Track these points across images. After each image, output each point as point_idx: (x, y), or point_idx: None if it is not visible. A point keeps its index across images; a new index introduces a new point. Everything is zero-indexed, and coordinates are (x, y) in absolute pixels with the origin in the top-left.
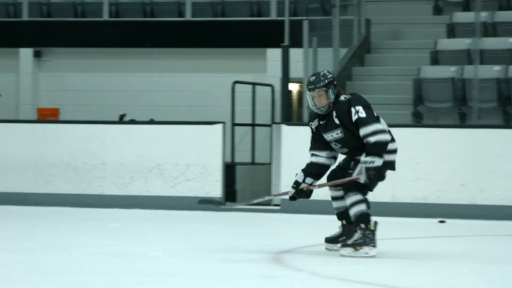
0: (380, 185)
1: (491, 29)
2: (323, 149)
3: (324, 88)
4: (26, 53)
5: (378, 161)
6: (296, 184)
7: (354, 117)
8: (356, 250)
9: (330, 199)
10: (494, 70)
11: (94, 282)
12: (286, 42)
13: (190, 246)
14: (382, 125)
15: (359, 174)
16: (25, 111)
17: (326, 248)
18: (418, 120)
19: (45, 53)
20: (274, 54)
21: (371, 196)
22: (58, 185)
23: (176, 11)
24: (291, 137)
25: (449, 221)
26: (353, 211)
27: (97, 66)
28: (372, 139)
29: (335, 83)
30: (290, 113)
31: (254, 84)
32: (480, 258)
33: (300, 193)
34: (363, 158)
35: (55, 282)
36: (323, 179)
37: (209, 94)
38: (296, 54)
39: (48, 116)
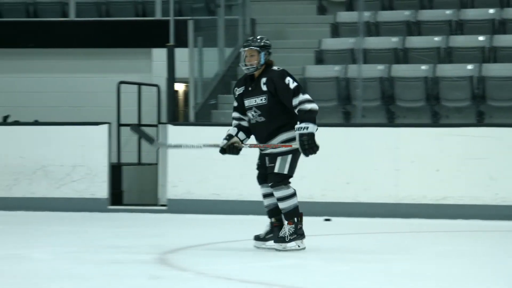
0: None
1: (374, 29)
2: (245, 115)
3: (257, 49)
4: None
5: (312, 127)
6: (229, 136)
7: (293, 85)
8: (288, 243)
9: (215, 199)
10: (378, 69)
11: None
12: (171, 42)
13: (75, 247)
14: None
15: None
16: None
17: (255, 246)
18: None
19: None
20: (159, 54)
21: (258, 195)
22: None
23: (60, 11)
24: (177, 137)
25: (334, 219)
26: (286, 204)
27: None
28: (308, 106)
29: (270, 51)
30: (176, 113)
31: (139, 84)
32: (363, 256)
33: (231, 147)
34: (297, 125)
35: None
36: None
37: (94, 95)
38: (181, 54)
39: None
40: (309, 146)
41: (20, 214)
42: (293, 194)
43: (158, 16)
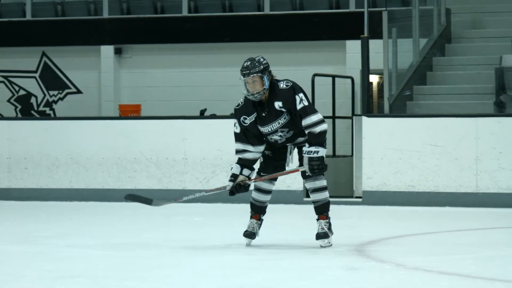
0: (463, 175)
1: None
2: (256, 144)
3: (259, 74)
4: (107, 50)
5: (322, 151)
6: (234, 177)
7: (299, 106)
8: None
9: (411, 191)
10: None
11: (181, 275)
12: (366, 34)
13: (272, 239)
14: (320, 114)
15: (302, 165)
16: (107, 108)
17: (247, 244)
18: (500, 110)
19: (126, 50)
20: (353, 46)
21: (453, 187)
22: (141, 181)
23: (255, 5)
24: (372, 129)
25: None
26: (323, 195)
27: (177, 61)
28: (317, 129)
29: (270, 70)
30: (371, 105)
31: (334, 76)
32: None
33: (239, 187)
34: (306, 148)
35: (143, 276)
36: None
37: None
38: (375, 45)
39: (129, 112)
40: (319, 170)
41: (218, 206)
42: (327, 187)
43: (352, 8)
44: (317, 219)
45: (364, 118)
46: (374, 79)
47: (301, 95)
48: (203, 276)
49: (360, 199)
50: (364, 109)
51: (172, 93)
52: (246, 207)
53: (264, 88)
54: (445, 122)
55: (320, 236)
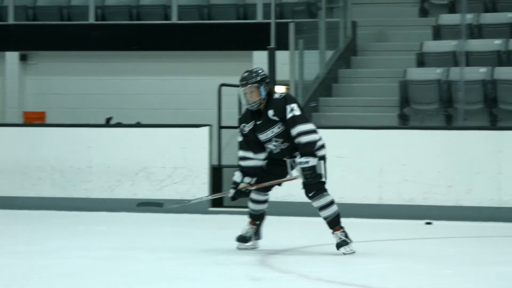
0: (367, 187)
1: (476, 31)
2: (257, 151)
3: (256, 85)
4: (12, 56)
5: (312, 161)
6: (235, 184)
7: (289, 115)
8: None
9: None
10: (480, 72)
11: (83, 285)
12: (272, 45)
13: (177, 249)
14: (312, 125)
15: (295, 175)
16: (12, 114)
17: (238, 248)
18: (404, 122)
19: (31, 56)
20: (260, 57)
21: (358, 198)
22: (45, 189)
23: (162, 14)
24: None
25: (435, 222)
26: (329, 212)
27: (84, 69)
28: (304, 139)
29: (267, 81)
30: None
31: None
32: (466, 259)
33: (240, 193)
34: (297, 159)
35: (44, 285)
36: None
37: (195, 97)
38: (282, 56)
39: (34, 119)
40: (313, 179)
41: (122, 215)
42: (334, 201)
43: (259, 18)
44: (332, 232)
45: None
46: (280, 90)
47: (292, 105)
48: (104, 285)
49: None
50: None
51: (78, 101)
52: (151, 216)
53: (261, 98)
54: (349, 133)
55: (341, 244)
